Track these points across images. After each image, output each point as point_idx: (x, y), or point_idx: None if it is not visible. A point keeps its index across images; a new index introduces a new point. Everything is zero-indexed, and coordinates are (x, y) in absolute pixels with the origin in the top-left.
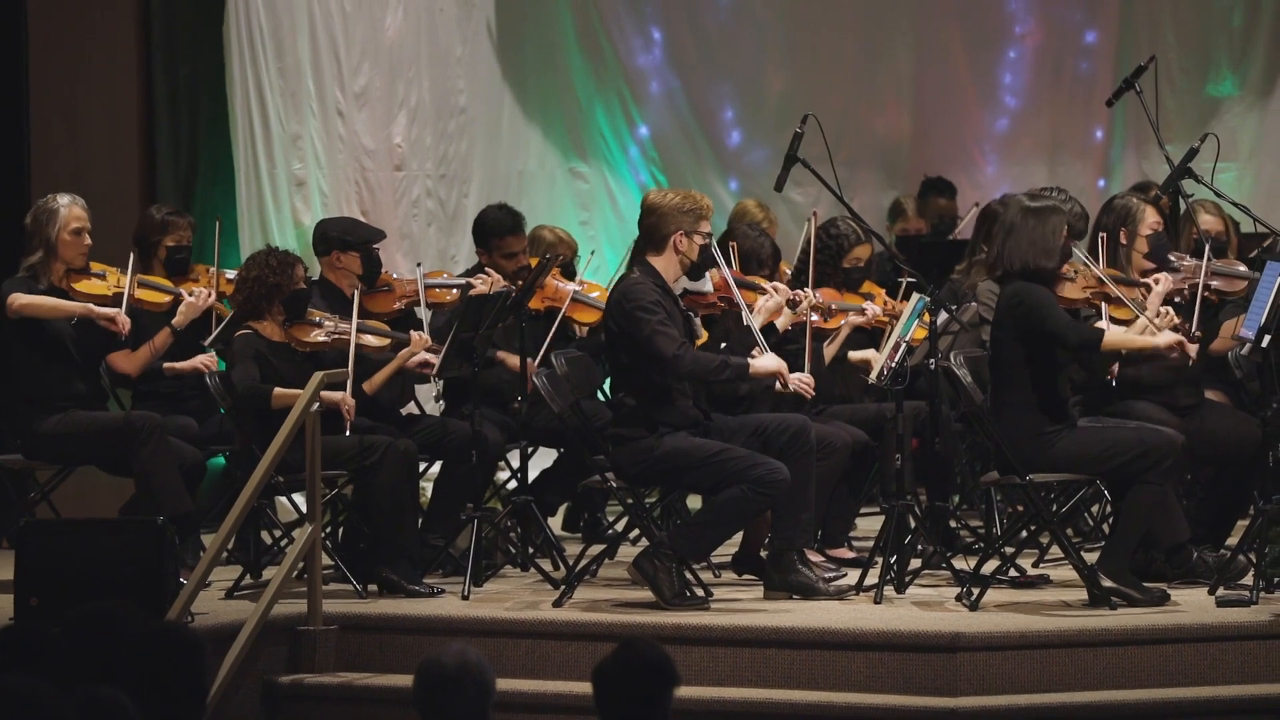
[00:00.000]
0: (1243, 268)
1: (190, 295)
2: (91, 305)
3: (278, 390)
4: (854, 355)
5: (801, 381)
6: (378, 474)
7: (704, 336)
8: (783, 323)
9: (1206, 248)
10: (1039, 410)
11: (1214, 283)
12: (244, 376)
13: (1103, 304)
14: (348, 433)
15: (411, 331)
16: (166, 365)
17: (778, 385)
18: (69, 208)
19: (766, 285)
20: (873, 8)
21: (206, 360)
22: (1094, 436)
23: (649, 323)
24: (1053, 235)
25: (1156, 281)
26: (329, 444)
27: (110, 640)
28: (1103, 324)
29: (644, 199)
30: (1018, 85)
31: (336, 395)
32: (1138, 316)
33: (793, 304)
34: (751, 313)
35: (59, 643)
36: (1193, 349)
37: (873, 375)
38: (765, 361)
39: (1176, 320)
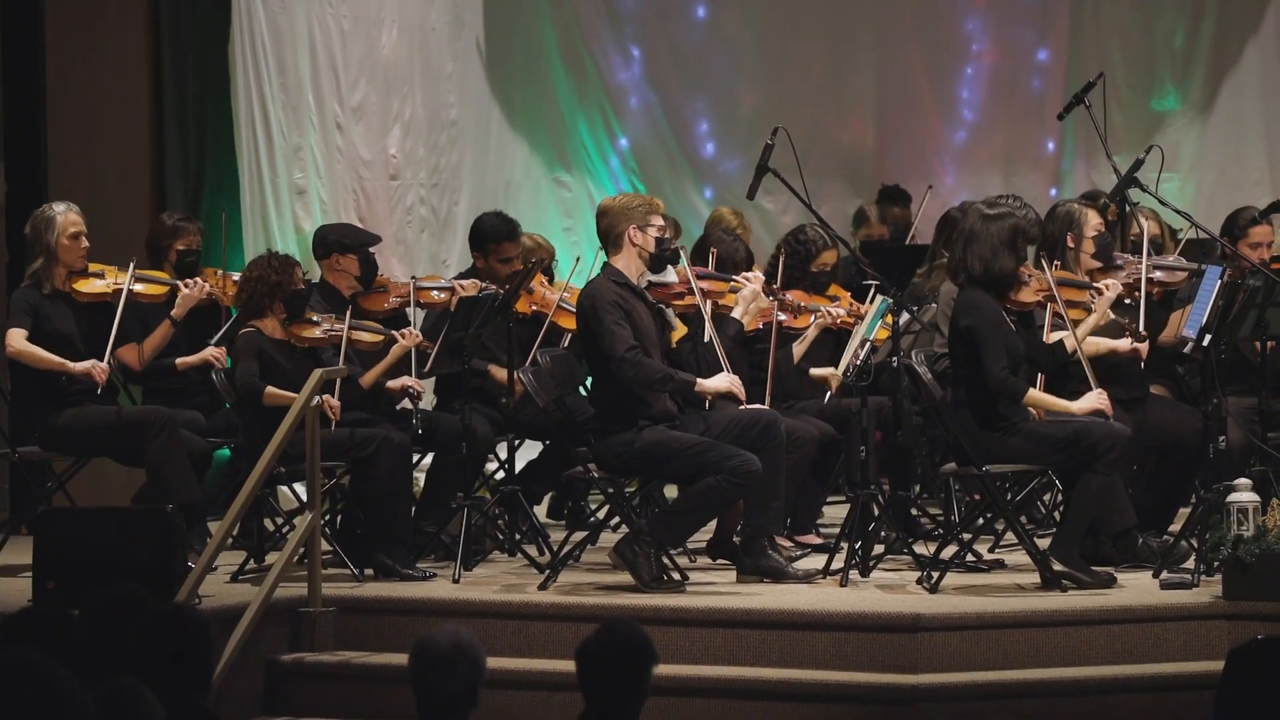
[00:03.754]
0: (1181, 262)
1: (185, 287)
2: (67, 363)
3: (269, 389)
4: (815, 372)
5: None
6: (374, 465)
7: (680, 328)
8: (749, 321)
9: (1145, 244)
10: (994, 404)
11: (1155, 274)
12: (244, 373)
13: (1049, 306)
14: (333, 429)
15: (400, 331)
16: (179, 360)
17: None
18: (65, 214)
19: (737, 277)
20: (838, 28)
21: (215, 353)
22: (1045, 429)
23: (604, 322)
24: (1009, 239)
25: (1107, 287)
26: (328, 437)
27: (123, 622)
28: (1061, 335)
29: (598, 207)
30: (974, 100)
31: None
32: (1089, 315)
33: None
34: (732, 309)
35: (75, 623)
36: (1143, 348)
37: (839, 370)
38: (715, 380)
39: (1125, 324)
